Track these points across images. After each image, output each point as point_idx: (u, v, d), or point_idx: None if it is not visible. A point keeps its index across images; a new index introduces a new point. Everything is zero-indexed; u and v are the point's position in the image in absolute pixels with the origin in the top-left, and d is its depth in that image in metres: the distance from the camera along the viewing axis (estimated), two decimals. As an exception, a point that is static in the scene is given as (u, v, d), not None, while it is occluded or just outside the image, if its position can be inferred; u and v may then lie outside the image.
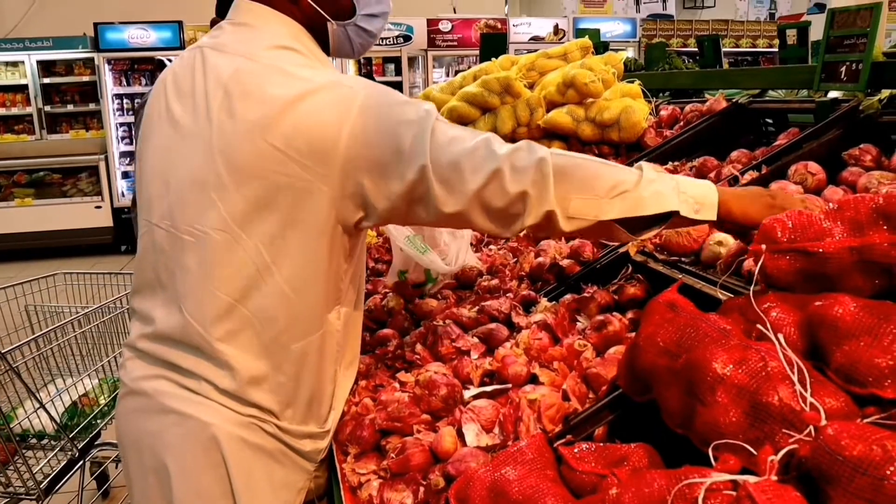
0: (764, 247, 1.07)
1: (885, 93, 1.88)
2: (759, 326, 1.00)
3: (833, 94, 2.06)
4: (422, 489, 1.19)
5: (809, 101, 2.08)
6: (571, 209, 1.19)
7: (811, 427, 0.85)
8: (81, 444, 2.42)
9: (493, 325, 1.55)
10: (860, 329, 0.94)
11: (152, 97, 1.34)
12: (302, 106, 1.15)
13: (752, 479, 0.75)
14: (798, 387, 0.88)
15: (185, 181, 1.22)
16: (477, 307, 1.65)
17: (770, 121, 2.27)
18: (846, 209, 1.07)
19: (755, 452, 0.86)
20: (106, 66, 8.33)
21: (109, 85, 8.40)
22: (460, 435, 1.24)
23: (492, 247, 2.05)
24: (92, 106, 8.49)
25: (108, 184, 8.37)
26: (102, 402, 2.53)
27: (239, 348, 1.22)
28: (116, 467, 3.10)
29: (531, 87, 2.89)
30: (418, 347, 1.55)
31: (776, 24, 10.73)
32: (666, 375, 1.02)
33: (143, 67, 8.59)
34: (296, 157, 1.15)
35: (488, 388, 1.34)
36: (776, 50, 9.82)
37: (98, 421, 2.52)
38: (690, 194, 1.23)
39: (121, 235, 8.42)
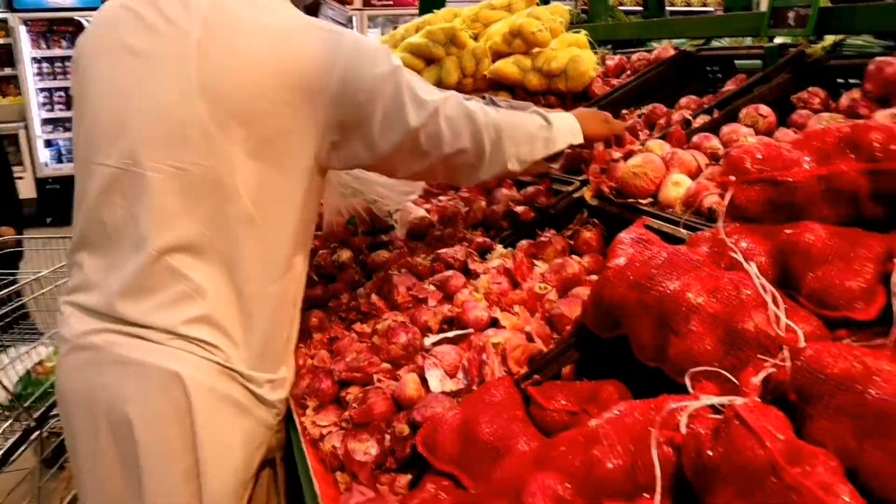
0: (733, 178, 1.05)
1: (830, 39, 1.89)
2: (731, 255, 0.98)
3: (778, 41, 2.07)
4: (387, 437, 1.15)
5: (758, 48, 2.09)
6: (520, 156, 1.44)
7: (786, 350, 0.84)
8: (37, 414, 2.28)
9: (449, 273, 1.51)
10: (832, 254, 0.93)
11: (93, 36, 1.27)
12: (295, 40, 1.17)
13: (738, 400, 0.73)
14: (773, 309, 0.87)
15: (153, 117, 1.15)
16: (432, 255, 1.60)
17: (717, 68, 2.27)
18: (813, 139, 1.06)
19: (733, 378, 0.85)
20: (22, 27, 7.82)
21: (27, 48, 7.90)
22: (423, 381, 1.20)
23: (441, 198, 1.99)
24: (8, 70, 7.99)
25: (29, 153, 7.93)
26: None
27: (205, 284, 1.18)
28: None
29: (475, 38, 2.82)
30: (374, 297, 1.50)
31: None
32: (637, 308, 1.00)
33: (62, 29, 8.12)
34: (286, 95, 1.15)
35: (450, 334, 1.30)
36: (711, 9, 9.94)
37: (53, 389, 2.38)
38: (569, 125, 1.53)
39: (45, 206, 8.03)
